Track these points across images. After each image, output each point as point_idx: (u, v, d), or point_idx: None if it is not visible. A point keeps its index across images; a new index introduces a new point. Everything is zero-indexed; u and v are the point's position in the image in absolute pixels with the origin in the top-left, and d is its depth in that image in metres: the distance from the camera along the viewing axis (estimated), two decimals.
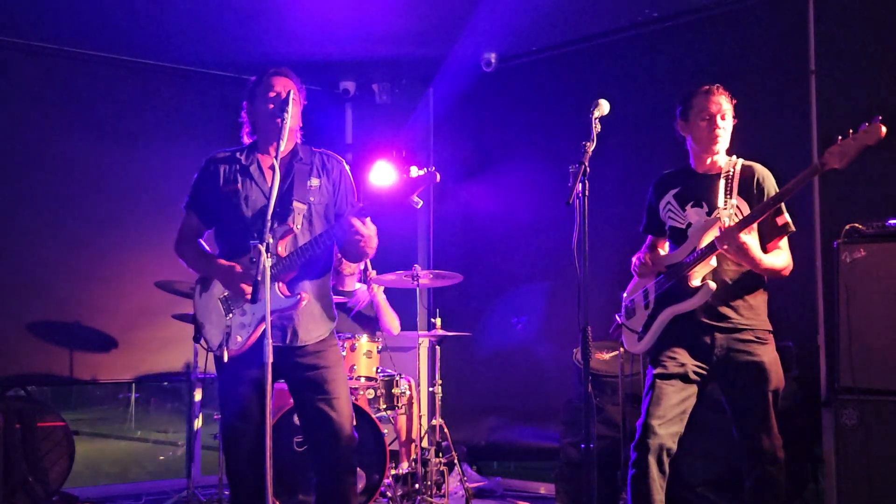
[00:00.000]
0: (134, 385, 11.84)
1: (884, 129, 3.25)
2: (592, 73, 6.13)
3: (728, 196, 3.59)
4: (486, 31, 6.07)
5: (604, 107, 3.40)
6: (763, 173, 3.65)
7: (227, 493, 5.36)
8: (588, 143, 3.32)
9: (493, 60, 6.44)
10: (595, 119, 3.37)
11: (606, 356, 5.16)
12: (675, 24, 5.69)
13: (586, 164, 3.29)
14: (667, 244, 3.87)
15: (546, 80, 6.43)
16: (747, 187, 3.61)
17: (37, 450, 5.37)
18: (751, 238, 3.47)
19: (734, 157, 3.71)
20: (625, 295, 3.94)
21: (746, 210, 3.57)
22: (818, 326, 4.95)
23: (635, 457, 3.51)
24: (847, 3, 5.05)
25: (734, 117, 3.70)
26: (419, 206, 3.33)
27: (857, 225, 4.33)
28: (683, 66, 5.69)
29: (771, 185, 3.63)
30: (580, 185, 3.26)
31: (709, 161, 3.69)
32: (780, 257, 3.59)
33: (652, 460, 3.46)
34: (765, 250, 3.58)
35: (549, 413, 5.91)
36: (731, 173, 3.63)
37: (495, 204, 6.70)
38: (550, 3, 5.56)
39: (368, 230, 3.37)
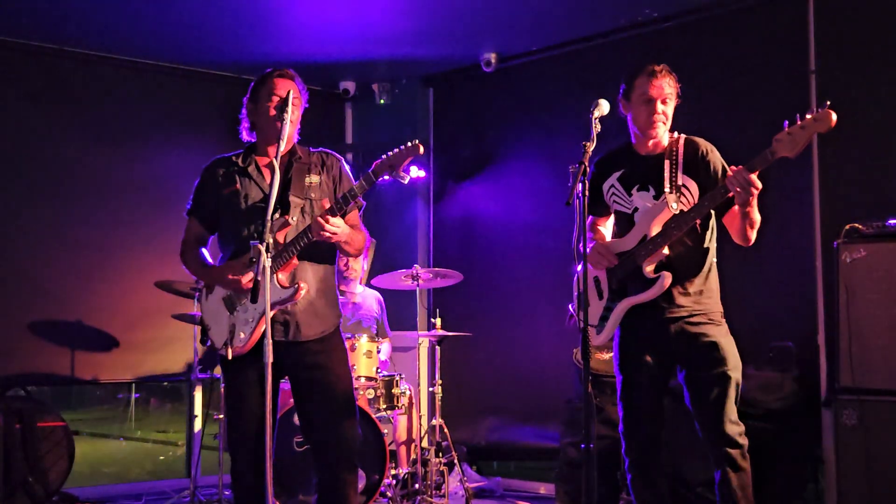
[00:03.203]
0: (134, 385, 11.83)
1: (834, 117, 3.14)
2: (592, 73, 6.12)
3: (674, 177, 3.51)
4: (486, 31, 6.07)
5: (604, 107, 3.38)
6: (707, 146, 3.57)
7: (227, 493, 5.38)
8: (588, 143, 3.31)
9: (493, 60, 6.44)
10: (595, 119, 3.36)
11: (606, 356, 5.14)
12: (675, 24, 5.68)
13: (586, 164, 3.27)
14: (608, 222, 3.81)
15: (546, 80, 6.42)
16: (693, 163, 3.53)
17: (37, 450, 5.37)
18: (758, 182, 3.32)
19: (676, 133, 3.62)
20: (574, 284, 3.82)
21: (694, 188, 3.50)
22: (818, 326, 4.94)
23: (627, 462, 3.64)
24: (847, 3, 5.05)
25: (678, 97, 3.59)
26: (406, 181, 3.45)
27: (857, 225, 4.33)
28: (683, 66, 5.65)
29: (716, 157, 3.54)
30: (580, 185, 3.25)
31: (651, 143, 3.60)
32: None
33: (641, 462, 3.60)
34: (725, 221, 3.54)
35: (549, 413, 5.91)
36: (674, 152, 3.55)
37: (495, 204, 6.69)
38: (550, 3, 5.56)
39: (332, 227, 3.36)
